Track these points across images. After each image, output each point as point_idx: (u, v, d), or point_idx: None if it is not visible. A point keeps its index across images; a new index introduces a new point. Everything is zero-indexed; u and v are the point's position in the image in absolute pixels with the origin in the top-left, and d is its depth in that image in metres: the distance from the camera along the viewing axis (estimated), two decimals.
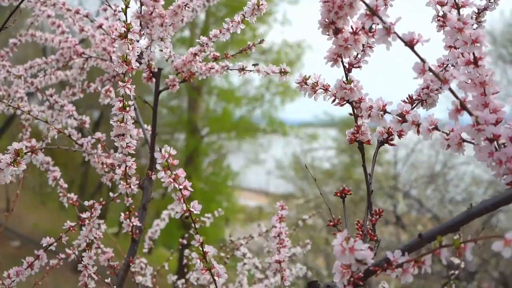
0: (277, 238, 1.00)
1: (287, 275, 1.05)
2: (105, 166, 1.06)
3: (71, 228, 0.96)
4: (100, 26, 1.12)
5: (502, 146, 0.55)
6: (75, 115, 1.13)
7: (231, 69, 1.01)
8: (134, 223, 1.01)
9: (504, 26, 9.52)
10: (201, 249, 0.68)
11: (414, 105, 0.71)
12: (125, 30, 0.72)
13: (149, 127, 1.15)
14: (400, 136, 0.70)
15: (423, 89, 0.71)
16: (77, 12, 1.14)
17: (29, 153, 0.70)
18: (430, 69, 0.53)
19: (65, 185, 1.14)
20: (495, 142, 0.55)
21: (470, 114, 0.54)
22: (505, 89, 9.26)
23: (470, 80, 0.57)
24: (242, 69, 0.98)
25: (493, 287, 5.89)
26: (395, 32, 0.53)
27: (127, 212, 1.00)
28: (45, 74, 1.24)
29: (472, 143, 0.57)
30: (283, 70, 0.87)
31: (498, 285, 5.83)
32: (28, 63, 1.25)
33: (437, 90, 0.71)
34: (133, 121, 1.13)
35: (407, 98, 0.72)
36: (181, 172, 0.66)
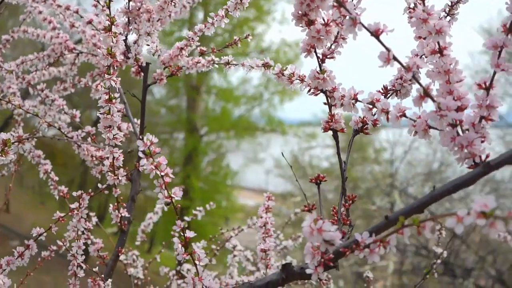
0: (263, 228, 1.02)
1: (272, 264, 1.07)
2: (94, 159, 1.09)
3: (60, 219, 0.98)
4: (90, 22, 1.14)
5: (467, 132, 0.58)
6: (65, 109, 1.15)
7: (216, 63, 1.03)
8: (123, 214, 1.04)
9: (502, 24, 9.52)
10: (183, 234, 0.70)
11: (388, 95, 0.74)
12: (109, 23, 0.75)
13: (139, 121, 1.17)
14: (374, 125, 0.72)
15: (397, 79, 0.74)
16: (67, 8, 1.16)
17: (16, 143, 0.72)
18: (394, 58, 0.56)
19: (56, 178, 1.17)
20: (459, 128, 0.58)
21: (433, 100, 0.57)
22: (503, 87, 9.28)
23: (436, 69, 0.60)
24: (227, 63, 1.01)
25: (490, 284, 5.92)
26: (360, 23, 0.55)
27: (116, 203, 1.02)
28: (37, 69, 1.26)
29: (437, 129, 0.59)
30: (266, 64, 0.89)
31: (495, 282, 5.86)
32: (19, 59, 1.28)
33: (410, 80, 0.73)
34: (123, 115, 1.16)
35: (381, 88, 0.74)
36: (162, 160, 0.68)
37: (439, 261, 1.15)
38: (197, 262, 0.70)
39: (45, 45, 1.38)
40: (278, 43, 10.46)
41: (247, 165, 12.26)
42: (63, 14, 1.19)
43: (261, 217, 1.03)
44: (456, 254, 6.15)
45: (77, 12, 1.17)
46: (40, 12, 1.28)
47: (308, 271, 0.59)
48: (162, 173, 0.67)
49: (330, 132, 0.75)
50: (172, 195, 0.68)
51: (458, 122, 0.56)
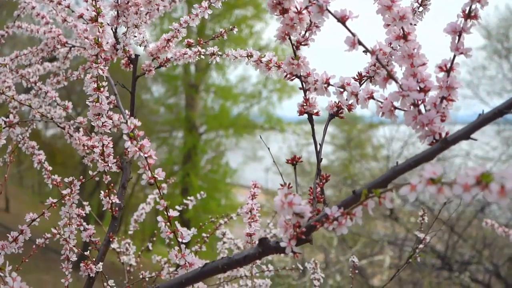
0: (249, 213, 1.06)
1: None
2: (86, 148, 1.12)
3: (53, 205, 1.02)
4: (81, 16, 1.17)
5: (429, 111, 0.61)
6: (58, 101, 1.19)
7: (203, 55, 1.07)
8: (114, 201, 1.07)
9: (499, 21, 9.57)
10: (166, 213, 0.74)
11: (362, 81, 0.78)
12: (96, 14, 0.78)
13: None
14: (349, 109, 0.76)
15: (370, 66, 0.77)
16: (59, 3, 1.20)
17: (7, 128, 0.76)
18: (359, 42, 0.60)
19: (50, 168, 1.20)
20: (422, 107, 0.61)
21: (396, 82, 0.60)
22: (501, 83, 9.31)
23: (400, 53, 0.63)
24: (212, 54, 1.05)
25: (487, 278, 5.97)
26: (327, 9, 0.59)
27: (107, 190, 1.06)
28: (31, 63, 1.30)
29: (402, 110, 0.63)
30: (249, 54, 0.93)
31: (491, 276, 5.90)
32: (14, 53, 1.31)
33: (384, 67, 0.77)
34: (114, 106, 1.19)
35: (356, 75, 0.78)
36: (146, 142, 0.72)
37: (421, 245, 1.19)
38: (179, 239, 0.74)
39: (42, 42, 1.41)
40: (276, 41, 10.48)
41: (246, 163, 12.30)
42: (55, 9, 1.23)
43: (247, 204, 1.07)
44: (453, 248, 6.20)
45: (68, 6, 1.21)
46: (33, 8, 1.31)
47: (282, 244, 0.63)
48: (146, 155, 0.71)
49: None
50: (156, 176, 0.72)
51: (419, 102, 0.60)
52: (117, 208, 1.09)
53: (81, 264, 1.06)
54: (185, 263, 0.72)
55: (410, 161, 0.58)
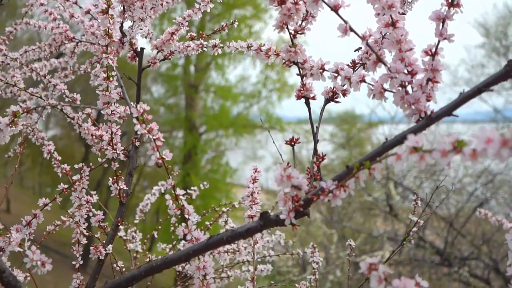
0: (250, 196, 1.11)
1: (261, 237, 1.16)
2: (94, 137, 1.18)
3: (64, 190, 1.08)
4: (88, 12, 1.23)
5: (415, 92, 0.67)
6: (66, 93, 1.24)
7: (205, 47, 1.12)
8: (121, 187, 1.13)
9: (497, 19, 9.62)
10: (173, 192, 0.79)
11: (356, 67, 0.83)
12: (106, 6, 0.84)
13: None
14: (344, 94, 0.81)
15: (363, 53, 0.83)
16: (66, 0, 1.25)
17: (25, 114, 0.81)
18: (351, 29, 0.65)
19: (59, 158, 1.26)
20: (409, 88, 0.67)
21: (385, 65, 0.66)
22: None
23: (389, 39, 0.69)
24: (214, 46, 1.10)
25: (486, 273, 6.02)
26: (322, 0, 0.64)
27: (115, 177, 1.11)
28: (39, 58, 1.35)
29: (391, 92, 0.68)
30: (249, 45, 0.98)
31: (490, 271, 5.95)
32: (23, 48, 1.37)
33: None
34: (120, 97, 1.24)
35: (350, 62, 0.83)
36: (154, 125, 0.77)
37: (415, 228, 1.24)
38: (186, 216, 0.79)
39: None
40: (275, 41, 10.55)
41: (246, 163, 12.35)
42: (62, 5, 1.28)
43: (248, 187, 1.12)
44: (452, 244, 6.25)
45: (76, 3, 1.26)
46: (41, 4, 1.37)
47: (281, 216, 0.68)
48: (154, 137, 0.76)
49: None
50: (164, 156, 0.77)
51: (407, 83, 0.65)
52: (124, 194, 1.14)
53: (91, 248, 1.12)
54: (192, 238, 0.78)
55: (398, 137, 0.63)
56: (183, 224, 0.79)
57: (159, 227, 1.62)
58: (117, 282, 0.74)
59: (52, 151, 1.27)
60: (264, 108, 11.84)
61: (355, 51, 0.84)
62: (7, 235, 0.78)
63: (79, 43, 1.35)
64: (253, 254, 1.33)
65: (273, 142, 1.15)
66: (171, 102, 11.79)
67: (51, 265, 0.69)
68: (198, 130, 11.60)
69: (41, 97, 1.14)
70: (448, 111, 0.61)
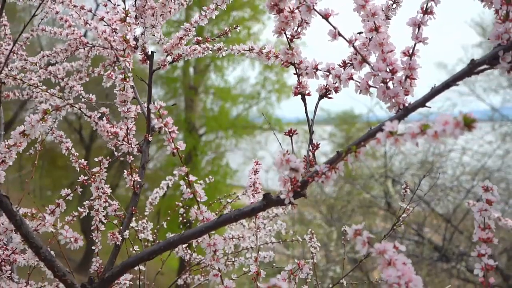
0: (252, 186, 1.22)
1: (264, 227, 1.27)
2: (109, 134, 1.28)
3: (84, 181, 1.18)
4: (101, 19, 1.34)
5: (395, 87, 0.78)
6: (83, 93, 1.35)
7: (210, 50, 1.23)
8: (135, 179, 1.24)
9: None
10: (187, 178, 0.90)
11: (346, 67, 0.94)
12: (124, 15, 0.94)
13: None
14: (336, 91, 0.92)
15: (352, 55, 0.94)
16: (82, 8, 1.36)
17: (54, 111, 0.92)
18: (339, 34, 0.76)
19: (77, 154, 1.36)
20: (391, 84, 0.78)
21: (369, 64, 0.77)
22: (497, 80, 9.46)
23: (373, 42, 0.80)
24: (219, 49, 1.21)
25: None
26: (314, 9, 0.75)
27: (129, 169, 1.22)
28: (56, 62, 1.46)
29: (375, 87, 0.79)
30: (251, 48, 1.09)
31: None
32: (40, 53, 1.48)
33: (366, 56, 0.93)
34: (132, 98, 1.35)
35: (341, 62, 0.94)
36: (169, 120, 0.88)
37: (404, 215, 1.35)
38: (198, 199, 0.90)
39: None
40: (274, 42, 10.67)
41: (246, 164, 12.45)
42: (78, 13, 1.39)
43: (250, 178, 1.23)
44: (449, 240, 6.36)
45: (90, 11, 1.37)
46: (57, 12, 1.47)
47: (282, 196, 0.79)
48: (170, 130, 0.87)
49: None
50: (178, 146, 0.88)
51: (388, 80, 0.76)
52: (138, 186, 1.25)
53: (108, 234, 1.23)
54: (203, 218, 0.89)
55: (379, 125, 0.74)
56: (195, 206, 0.90)
57: (168, 218, 1.74)
58: (140, 255, 0.85)
59: (70, 147, 1.38)
60: (264, 109, 11.95)
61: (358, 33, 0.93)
62: (41, 218, 0.88)
63: (93, 48, 1.46)
64: (256, 241, 1.43)
65: (277, 140, 1.26)
66: (170, 104, 11.88)
67: (83, 241, 0.80)
68: (198, 132, 11.70)
69: (61, 97, 1.25)
70: (422, 103, 0.72)
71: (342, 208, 7.79)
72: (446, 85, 0.71)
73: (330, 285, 1.82)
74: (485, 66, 0.69)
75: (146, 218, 1.60)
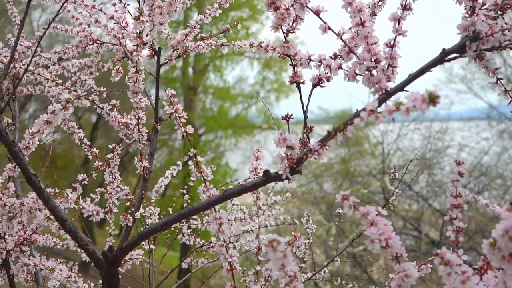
0: (253, 171, 1.33)
1: (263, 213, 1.37)
2: (120, 124, 1.39)
3: (99, 167, 1.29)
4: (112, 17, 1.44)
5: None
6: (94, 87, 1.45)
7: (213, 46, 1.33)
8: (145, 165, 1.34)
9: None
10: (195, 159, 1.01)
11: (336, 58, 1.04)
12: (139, 13, 1.05)
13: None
14: (328, 80, 1.03)
15: (342, 47, 1.04)
16: (93, 7, 1.46)
17: (76, 100, 1.02)
18: (329, 28, 0.86)
19: (89, 143, 1.47)
20: (375, 72, 0.88)
21: (355, 54, 0.87)
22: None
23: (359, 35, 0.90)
24: (222, 45, 1.31)
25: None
26: (306, 6, 0.86)
27: (140, 156, 1.33)
28: (68, 58, 1.56)
29: (361, 75, 0.90)
30: (251, 43, 1.20)
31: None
32: (53, 49, 1.58)
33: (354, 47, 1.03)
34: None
35: (332, 54, 1.05)
36: (179, 106, 0.99)
37: (394, 197, 1.45)
38: (205, 177, 1.00)
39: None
40: (273, 41, 10.76)
41: (246, 163, 12.53)
42: (89, 12, 1.49)
43: (252, 164, 1.33)
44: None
45: (101, 10, 1.47)
46: (68, 11, 1.58)
47: (279, 172, 0.90)
48: (180, 115, 0.98)
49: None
50: (187, 130, 0.99)
51: (372, 68, 0.87)
52: (147, 171, 1.36)
53: (121, 216, 1.33)
54: (210, 195, 0.99)
55: (364, 107, 0.84)
56: (202, 184, 1.00)
57: (173, 204, 1.84)
58: (153, 227, 0.95)
59: (82, 137, 1.48)
60: (263, 108, 12.05)
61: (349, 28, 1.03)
62: (65, 195, 0.99)
63: (103, 44, 1.57)
64: (258, 223, 1.53)
65: (283, 137, 1.36)
66: None
67: (100, 215, 0.90)
68: (197, 132, 11.80)
69: (75, 91, 1.35)
70: (401, 87, 0.83)
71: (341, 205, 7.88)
72: (421, 72, 0.81)
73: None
74: (454, 55, 0.80)
75: (153, 204, 1.71)
